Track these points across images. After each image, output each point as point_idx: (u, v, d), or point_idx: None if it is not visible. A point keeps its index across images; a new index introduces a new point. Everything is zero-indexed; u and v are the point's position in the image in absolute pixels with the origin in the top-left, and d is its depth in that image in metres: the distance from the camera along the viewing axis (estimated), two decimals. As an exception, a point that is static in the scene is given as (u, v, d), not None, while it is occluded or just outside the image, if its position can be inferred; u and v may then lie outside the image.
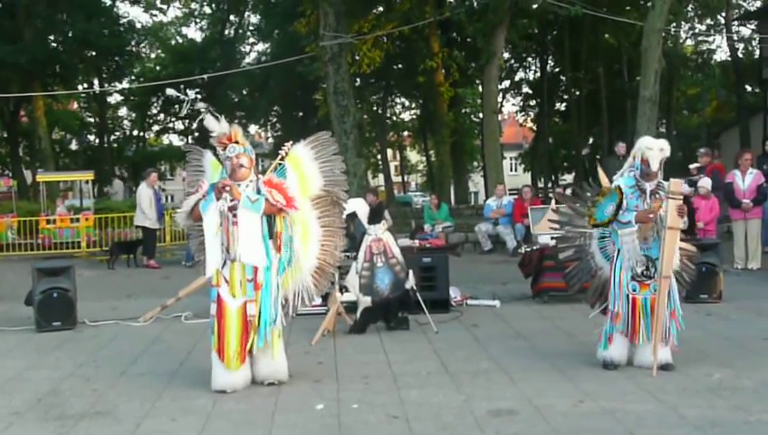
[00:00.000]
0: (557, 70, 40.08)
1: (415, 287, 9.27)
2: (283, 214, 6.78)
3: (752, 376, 6.71)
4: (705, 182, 13.86)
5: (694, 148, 18.67)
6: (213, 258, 6.68)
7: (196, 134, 43.04)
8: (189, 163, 7.54)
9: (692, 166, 15.42)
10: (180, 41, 48.72)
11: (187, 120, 46.92)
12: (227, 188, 6.54)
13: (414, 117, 45.99)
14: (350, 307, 9.26)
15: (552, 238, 8.38)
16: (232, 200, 6.59)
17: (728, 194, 13.87)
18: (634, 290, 7.02)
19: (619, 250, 7.10)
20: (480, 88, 32.68)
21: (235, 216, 6.57)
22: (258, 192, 6.67)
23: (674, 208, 6.80)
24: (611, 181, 7.34)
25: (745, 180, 13.80)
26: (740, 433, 5.37)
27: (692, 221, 7.03)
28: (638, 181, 7.05)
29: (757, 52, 37.52)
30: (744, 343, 8.00)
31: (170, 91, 8.47)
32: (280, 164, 7.03)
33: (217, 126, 6.82)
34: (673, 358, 7.06)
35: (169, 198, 44.04)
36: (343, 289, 9.16)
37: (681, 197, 6.93)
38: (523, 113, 46.47)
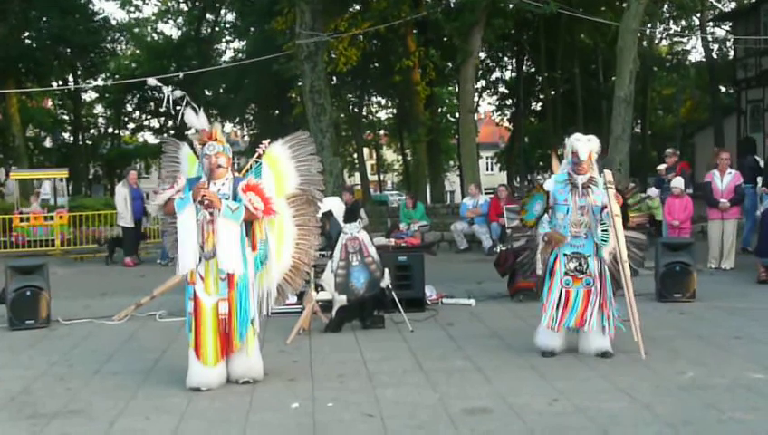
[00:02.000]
0: (533, 70, 40.22)
1: (390, 286, 9.28)
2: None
3: (724, 374, 6.76)
4: (678, 181, 13.94)
5: (668, 147, 18.80)
6: (187, 258, 6.65)
7: (172, 132, 42.89)
8: (166, 154, 7.52)
9: (660, 167, 15.50)
10: (156, 38, 48.47)
11: (163, 118, 46.85)
12: (206, 199, 6.51)
13: (390, 116, 46.04)
14: (326, 306, 9.25)
15: (508, 227, 8.69)
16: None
17: (706, 193, 13.90)
18: (567, 284, 7.38)
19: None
20: (456, 87, 32.75)
21: (211, 214, 6.56)
22: (235, 197, 6.66)
23: (613, 196, 7.15)
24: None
25: (723, 180, 13.72)
26: (712, 431, 5.41)
27: (625, 213, 7.39)
28: (571, 176, 7.38)
29: (731, 53, 37.85)
30: (717, 342, 8.07)
31: (151, 81, 8.36)
32: (257, 162, 7.03)
33: (196, 121, 6.82)
34: (647, 356, 7.14)
35: (144, 196, 43.86)
36: (319, 288, 9.14)
37: (614, 186, 7.26)
38: (500, 113, 46.53)
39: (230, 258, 6.59)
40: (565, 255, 7.38)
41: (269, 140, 7.20)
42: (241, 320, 6.67)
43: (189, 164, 7.17)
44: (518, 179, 40.91)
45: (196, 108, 6.88)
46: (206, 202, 6.51)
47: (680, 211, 13.74)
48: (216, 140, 6.76)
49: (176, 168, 7.31)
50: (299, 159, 7.12)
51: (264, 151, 7.06)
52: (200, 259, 6.64)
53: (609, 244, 7.32)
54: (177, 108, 6.95)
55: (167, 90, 7.63)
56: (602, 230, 7.25)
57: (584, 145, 7.30)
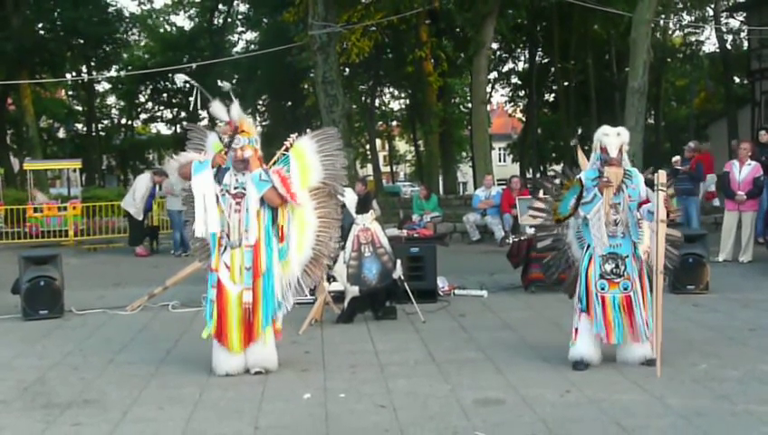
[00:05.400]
0: (546, 61, 40.07)
1: (402, 277, 9.28)
2: (284, 205, 6.83)
3: (737, 366, 6.74)
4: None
5: (682, 138, 18.71)
6: (203, 218, 6.70)
7: (184, 123, 42.94)
8: (191, 141, 7.52)
9: (675, 158, 15.30)
10: (169, 29, 48.52)
11: (176, 109, 46.89)
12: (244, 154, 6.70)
13: (403, 107, 45.99)
14: (338, 297, 9.26)
15: (531, 227, 8.26)
16: (236, 188, 6.71)
17: (723, 184, 13.67)
18: (602, 289, 6.77)
19: (588, 245, 6.91)
20: (469, 78, 32.70)
21: (238, 203, 6.63)
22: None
23: (662, 200, 6.58)
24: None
25: (742, 171, 13.34)
26: (725, 423, 5.39)
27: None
28: (601, 173, 6.81)
29: (745, 43, 37.63)
30: (730, 334, 8.04)
31: (180, 77, 8.27)
32: (284, 154, 7.07)
33: (224, 114, 6.85)
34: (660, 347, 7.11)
35: (157, 186, 44.01)
36: (331, 279, 9.16)
37: (666, 189, 6.69)
38: (512, 104, 46.44)
39: (251, 231, 6.69)
40: (601, 256, 6.77)
41: (296, 134, 7.23)
42: (266, 309, 6.75)
43: (214, 152, 7.18)
44: (530, 171, 40.82)
45: (228, 105, 6.91)
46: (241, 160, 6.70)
47: None
48: (242, 132, 6.80)
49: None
50: (325, 153, 7.13)
51: (291, 144, 7.10)
52: (225, 248, 6.74)
53: (645, 242, 6.91)
54: (207, 102, 6.98)
55: (197, 87, 7.60)
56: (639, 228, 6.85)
57: (614, 140, 6.73)
